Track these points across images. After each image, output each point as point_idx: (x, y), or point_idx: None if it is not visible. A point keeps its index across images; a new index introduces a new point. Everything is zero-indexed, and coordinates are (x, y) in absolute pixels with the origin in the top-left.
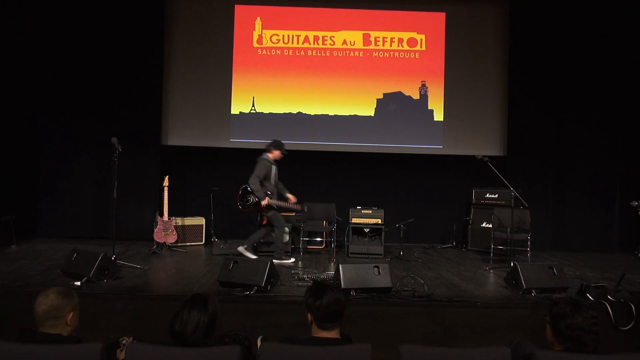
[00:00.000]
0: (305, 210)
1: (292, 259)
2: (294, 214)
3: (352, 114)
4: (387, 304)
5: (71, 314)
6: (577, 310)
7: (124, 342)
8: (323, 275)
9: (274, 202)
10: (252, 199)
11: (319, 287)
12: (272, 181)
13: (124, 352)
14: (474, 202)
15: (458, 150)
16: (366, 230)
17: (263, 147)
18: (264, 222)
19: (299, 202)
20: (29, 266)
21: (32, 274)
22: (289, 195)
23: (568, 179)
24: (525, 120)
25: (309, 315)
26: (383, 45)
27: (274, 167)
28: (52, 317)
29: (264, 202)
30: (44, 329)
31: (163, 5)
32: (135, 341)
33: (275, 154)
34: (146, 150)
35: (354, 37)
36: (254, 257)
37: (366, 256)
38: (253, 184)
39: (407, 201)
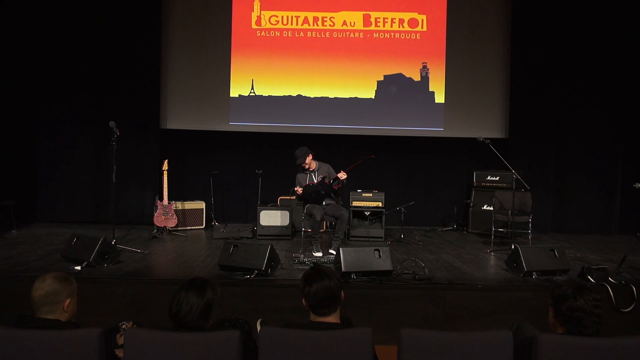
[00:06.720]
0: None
1: (320, 253)
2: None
3: (352, 96)
4: (388, 287)
5: (68, 300)
6: (579, 292)
7: (123, 326)
8: (324, 259)
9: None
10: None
11: (311, 273)
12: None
13: (123, 336)
14: (474, 184)
15: (459, 132)
16: (367, 213)
17: (263, 130)
18: None
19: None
20: (30, 251)
21: (33, 258)
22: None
23: (569, 161)
24: (526, 103)
25: (303, 300)
26: (383, 26)
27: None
28: (49, 302)
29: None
30: (41, 314)
31: None
32: (134, 326)
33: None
34: (145, 134)
35: (354, 18)
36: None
37: (367, 239)
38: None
39: (408, 184)
